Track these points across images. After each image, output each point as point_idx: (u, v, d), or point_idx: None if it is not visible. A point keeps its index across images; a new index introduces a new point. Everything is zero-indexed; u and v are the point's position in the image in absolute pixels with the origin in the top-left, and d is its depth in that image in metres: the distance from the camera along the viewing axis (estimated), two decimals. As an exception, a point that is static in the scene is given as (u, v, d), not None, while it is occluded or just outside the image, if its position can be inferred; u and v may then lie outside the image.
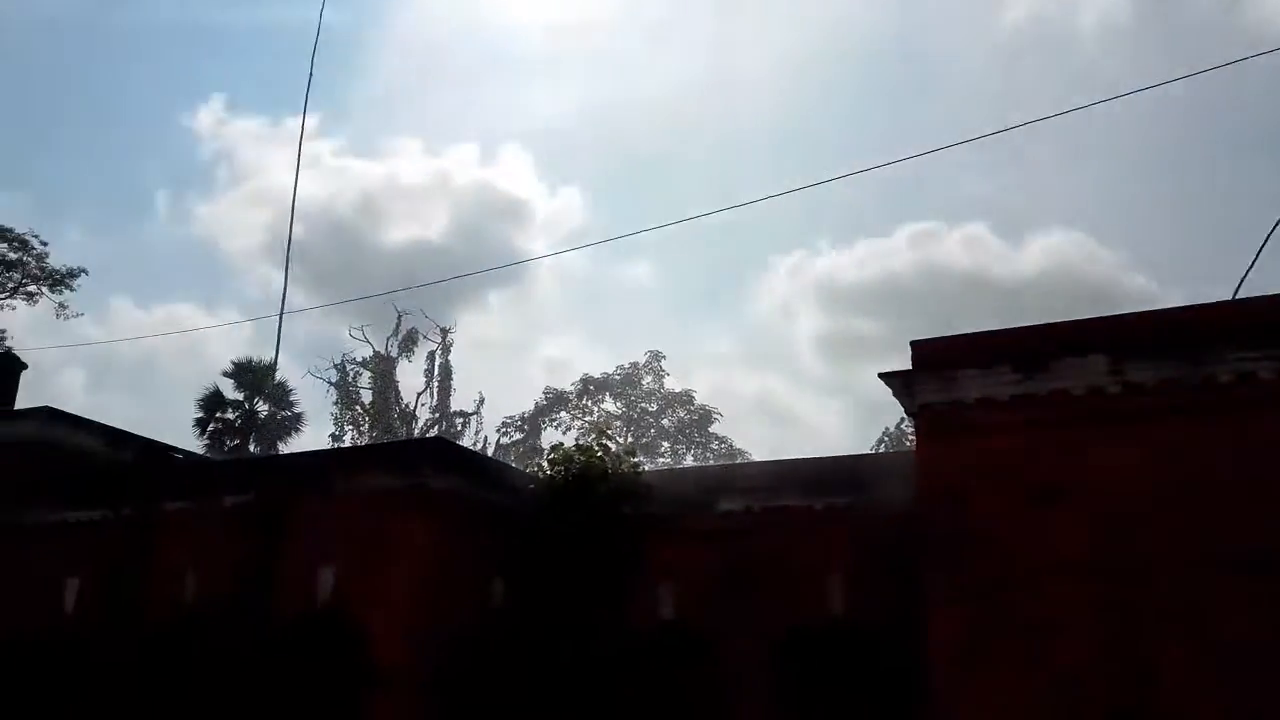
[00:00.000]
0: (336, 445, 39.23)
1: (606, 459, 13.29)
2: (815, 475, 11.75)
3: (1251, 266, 11.38)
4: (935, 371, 9.85)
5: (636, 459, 14.25)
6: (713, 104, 65.62)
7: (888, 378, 10.11)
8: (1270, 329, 8.91)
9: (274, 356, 21.30)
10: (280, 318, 20.50)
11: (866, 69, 63.57)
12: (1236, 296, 10.88)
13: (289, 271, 20.79)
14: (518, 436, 37.98)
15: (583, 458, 13.22)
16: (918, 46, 61.01)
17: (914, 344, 10.26)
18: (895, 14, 62.09)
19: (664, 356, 36.92)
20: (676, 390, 36.34)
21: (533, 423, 37.38)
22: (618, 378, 36.91)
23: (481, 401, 40.49)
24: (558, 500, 12.73)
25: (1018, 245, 58.47)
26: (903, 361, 10.26)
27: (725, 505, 12.02)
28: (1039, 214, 58.67)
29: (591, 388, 37.12)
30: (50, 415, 14.32)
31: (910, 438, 21.88)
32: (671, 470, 23.88)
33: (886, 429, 21.94)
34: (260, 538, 12.31)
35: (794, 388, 57.28)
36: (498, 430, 38.16)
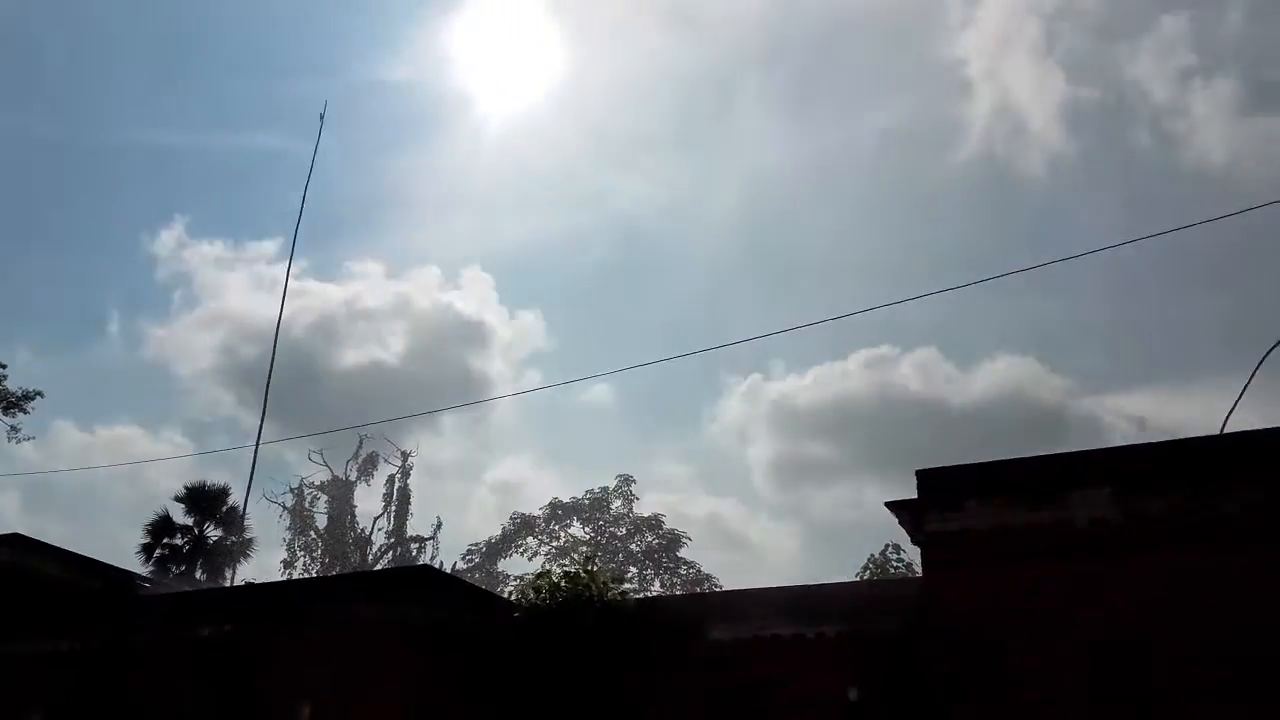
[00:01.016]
0: (288, 572, 38.33)
1: (593, 586, 13.02)
2: (805, 603, 11.55)
3: (1238, 401, 11.59)
4: (941, 501, 9.82)
5: (623, 586, 13.96)
6: (673, 228, 67.10)
7: (895, 507, 10.06)
8: (1269, 460, 9.03)
9: (248, 485, 20.79)
10: (256, 449, 20.09)
11: (826, 200, 65.48)
12: (1225, 430, 11.11)
13: (267, 403, 20.47)
14: (476, 561, 37.18)
15: (569, 585, 12.95)
16: (873, 183, 63.23)
17: (920, 473, 10.24)
18: (851, 149, 64.43)
19: (633, 480, 36.61)
20: (645, 514, 35.91)
21: (499, 548, 36.62)
22: (587, 502, 36.43)
23: (439, 526, 39.78)
24: (544, 628, 12.38)
25: (969, 370, 59.65)
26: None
27: (716, 634, 11.74)
28: (989, 340, 60.11)
29: (560, 512, 36.55)
30: (19, 542, 13.75)
31: (895, 565, 21.88)
32: (658, 598, 23.43)
33: (872, 556, 21.83)
34: (235, 670, 11.77)
35: (746, 511, 57.06)
36: (463, 557, 37.36)
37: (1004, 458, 10.13)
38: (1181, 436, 9.70)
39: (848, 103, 65.15)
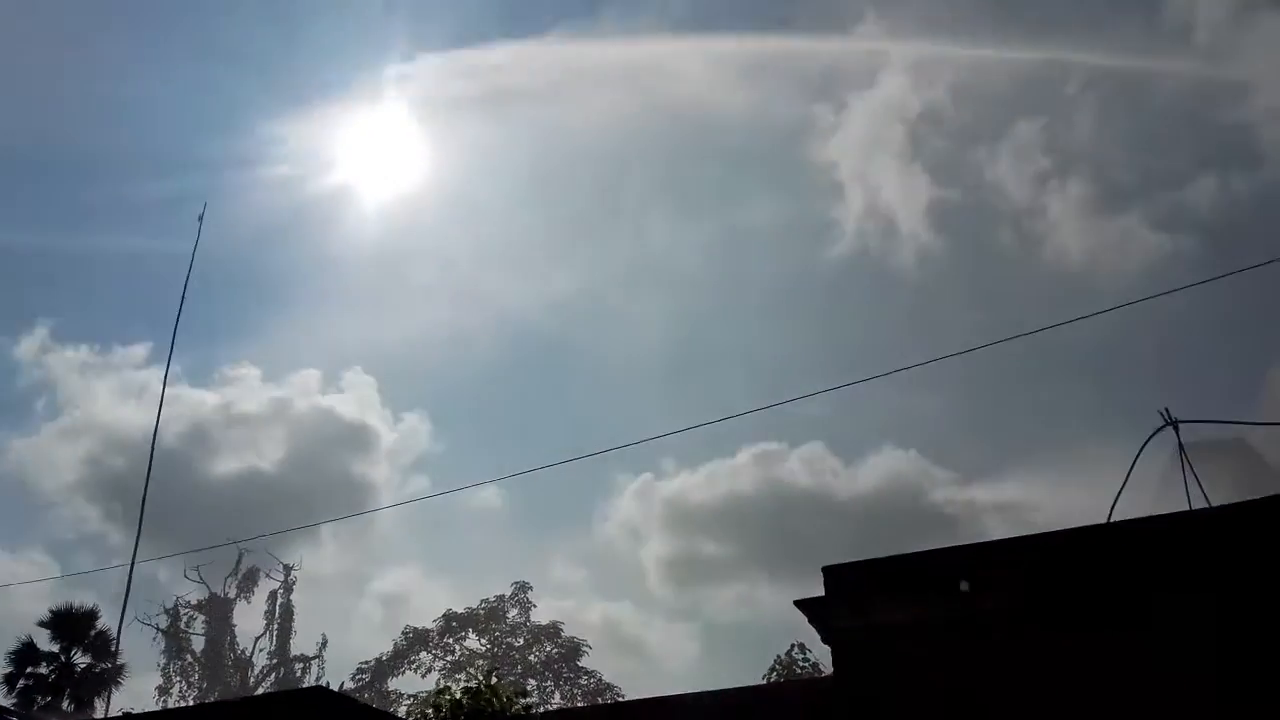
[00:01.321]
0: (164, 700, 36.04)
1: (495, 701, 12.61)
2: (716, 710, 11.37)
3: (1120, 491, 12.02)
4: (849, 598, 9.87)
5: (525, 700, 13.55)
6: (558, 325, 67.46)
7: (802, 605, 10.07)
8: (1162, 548, 9.38)
9: (122, 607, 19.57)
10: (131, 567, 19.01)
11: (710, 295, 66.90)
12: (1111, 519, 11.52)
13: (143, 517, 19.45)
14: (366, 679, 35.67)
15: (470, 701, 12.53)
16: (754, 278, 65.07)
17: (826, 570, 10.29)
18: (731, 247, 66.32)
19: (530, 587, 35.87)
20: (543, 623, 35.09)
21: (391, 665, 35.20)
22: (482, 612, 35.44)
23: (324, 644, 38.19)
24: (447, 748, 11.92)
25: (854, 464, 60.97)
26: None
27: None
28: (872, 434, 61.62)
29: (454, 624, 35.43)
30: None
31: (801, 665, 21.79)
32: (562, 712, 22.73)
33: (778, 657, 21.69)
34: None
35: (643, 614, 56.49)
36: (351, 676, 35.77)
37: (904, 552, 10.30)
38: (1074, 526, 10.00)
39: (726, 202, 67.36)
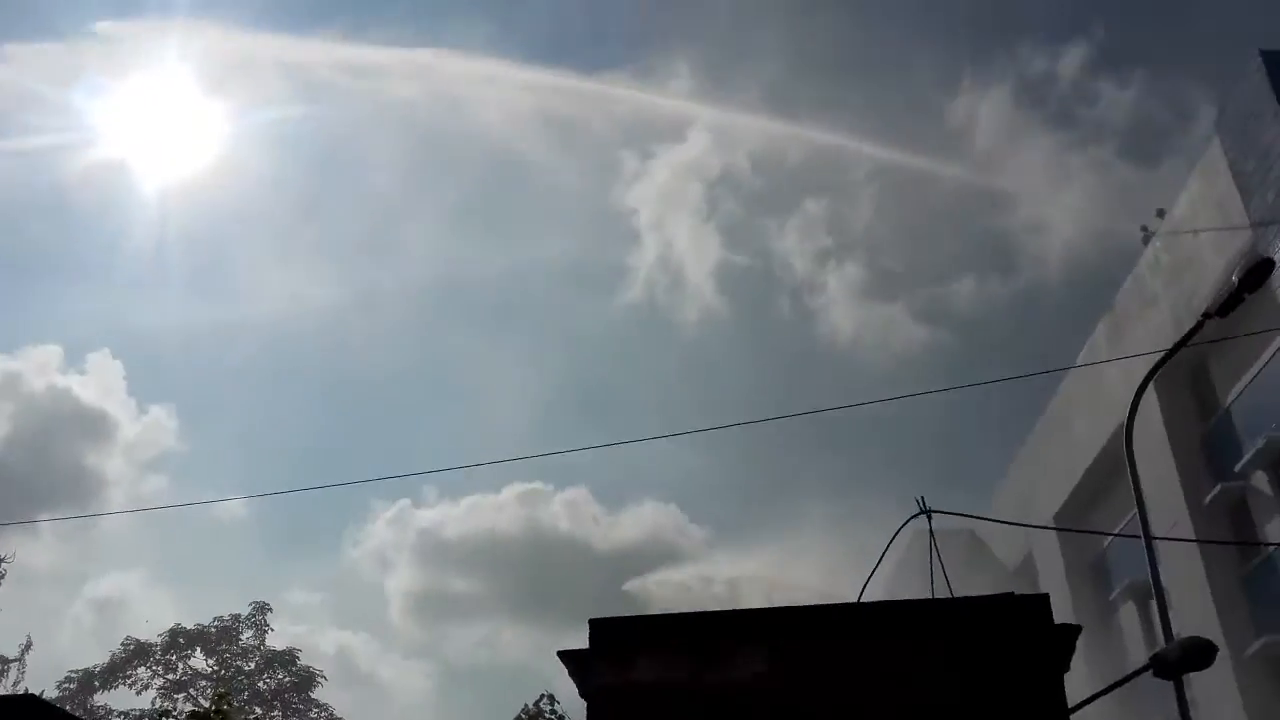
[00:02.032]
0: None
1: (223, 729, 11.85)
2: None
3: (874, 570, 12.67)
4: (612, 654, 9.89)
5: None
6: (330, 335, 65.13)
7: (565, 656, 10.01)
8: (904, 628, 9.94)
9: None
10: None
11: (492, 325, 66.48)
12: (862, 598, 12.14)
13: None
14: (72, 690, 32.68)
15: (196, 728, 11.73)
16: (541, 314, 65.17)
17: (592, 623, 10.28)
18: (521, 280, 66.29)
19: (269, 609, 33.92)
20: (279, 648, 33.26)
21: (105, 676, 32.37)
22: (214, 630, 33.21)
23: (28, 646, 34.78)
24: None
25: (616, 512, 61.89)
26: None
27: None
28: (636, 484, 62.78)
29: (182, 640, 33.03)
30: None
31: (548, 718, 21.58)
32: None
33: (526, 706, 21.41)
34: None
35: (379, 646, 54.89)
36: (58, 685, 32.66)
37: (663, 610, 10.47)
38: (828, 602, 10.46)
39: (522, 233, 67.63)
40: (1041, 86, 65.91)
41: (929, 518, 11.84)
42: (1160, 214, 27.94)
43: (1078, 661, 8.81)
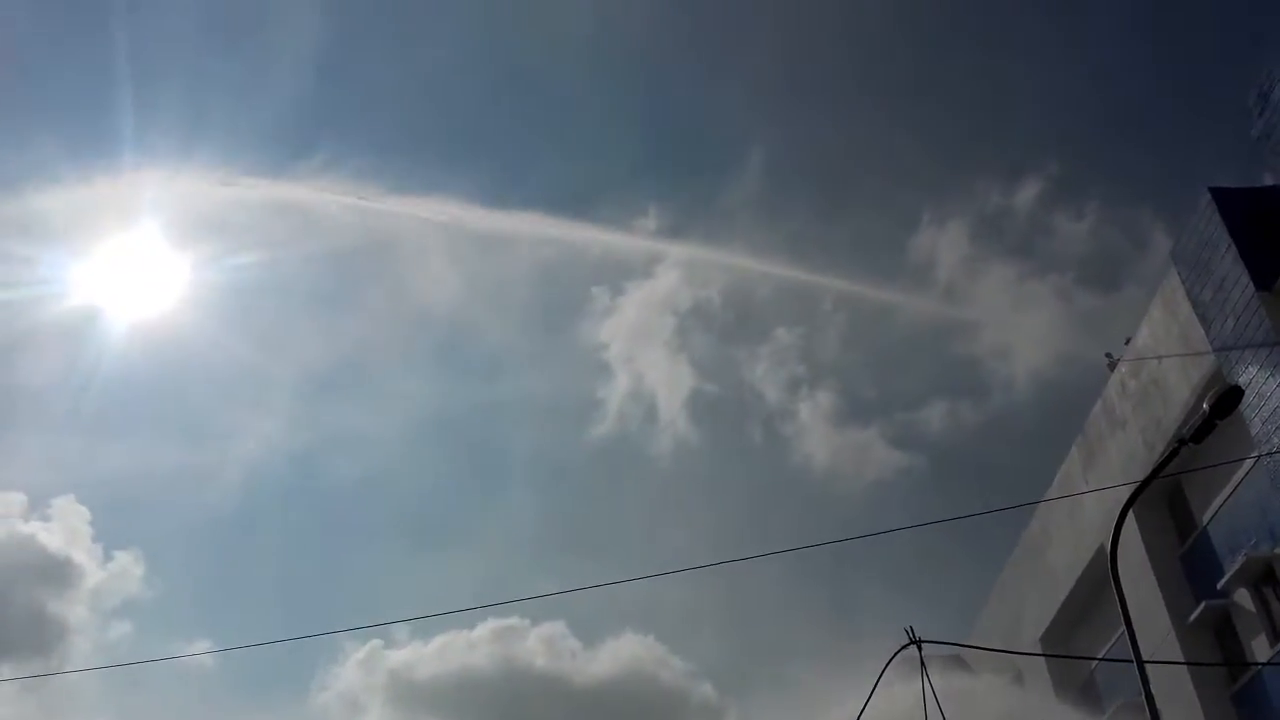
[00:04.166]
0: None
1: None
2: None
3: (868, 701, 12.70)
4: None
5: None
6: (300, 477, 64.63)
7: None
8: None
9: None
10: None
11: (465, 462, 66.23)
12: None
13: None
14: None
15: None
16: (513, 449, 65.15)
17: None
18: (494, 414, 66.44)
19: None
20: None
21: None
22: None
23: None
24: None
25: (594, 646, 60.68)
26: None
27: None
28: (614, 617, 61.77)
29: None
30: None
31: None
32: None
33: None
34: None
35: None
36: None
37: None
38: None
39: (493, 369, 68.03)
40: (999, 219, 68.18)
41: (919, 647, 11.94)
42: (1127, 341, 28.77)
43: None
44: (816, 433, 67.57)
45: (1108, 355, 30.83)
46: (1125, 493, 16.60)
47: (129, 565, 57.39)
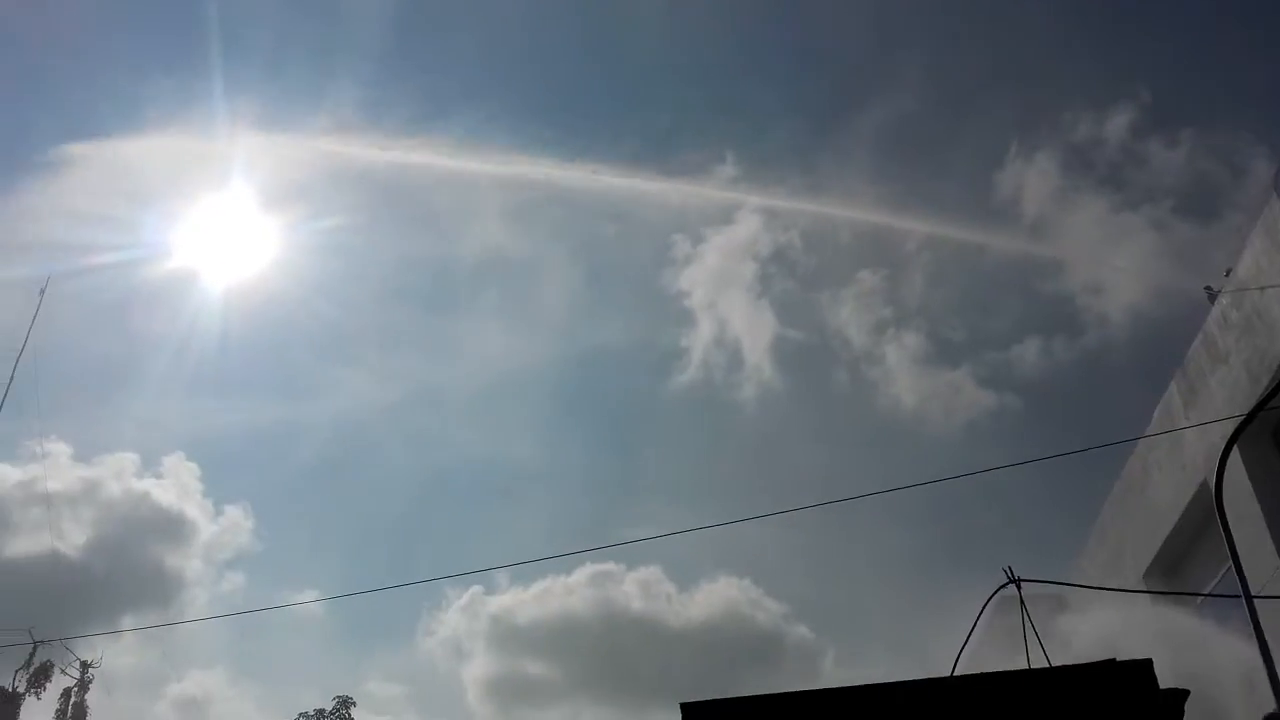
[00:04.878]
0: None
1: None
2: None
3: (966, 642, 12.63)
4: (709, 735, 9.96)
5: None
6: (394, 428, 66.07)
7: (662, 741, 10.13)
8: (1003, 700, 9.88)
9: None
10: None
11: (550, 412, 67.03)
12: (955, 671, 12.06)
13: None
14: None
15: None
16: (599, 399, 65.58)
17: (684, 706, 10.38)
18: (579, 365, 67.01)
19: (353, 703, 34.31)
20: (364, 742, 33.50)
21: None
22: (298, 728, 33.59)
23: (118, 753, 35.42)
24: None
25: (689, 589, 61.38)
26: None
27: None
28: (709, 561, 62.26)
29: (268, 738, 33.44)
30: None
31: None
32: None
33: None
34: None
35: (461, 735, 54.69)
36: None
37: (745, 688, 10.53)
38: (926, 677, 10.43)
39: (576, 321, 68.56)
40: (1089, 150, 65.80)
41: (1018, 587, 11.81)
42: (1227, 273, 27.69)
43: (1184, 728, 8.70)
44: (904, 376, 66.89)
45: (1207, 288, 29.71)
46: (1229, 428, 16.10)
47: (239, 519, 59.96)
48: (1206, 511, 25.60)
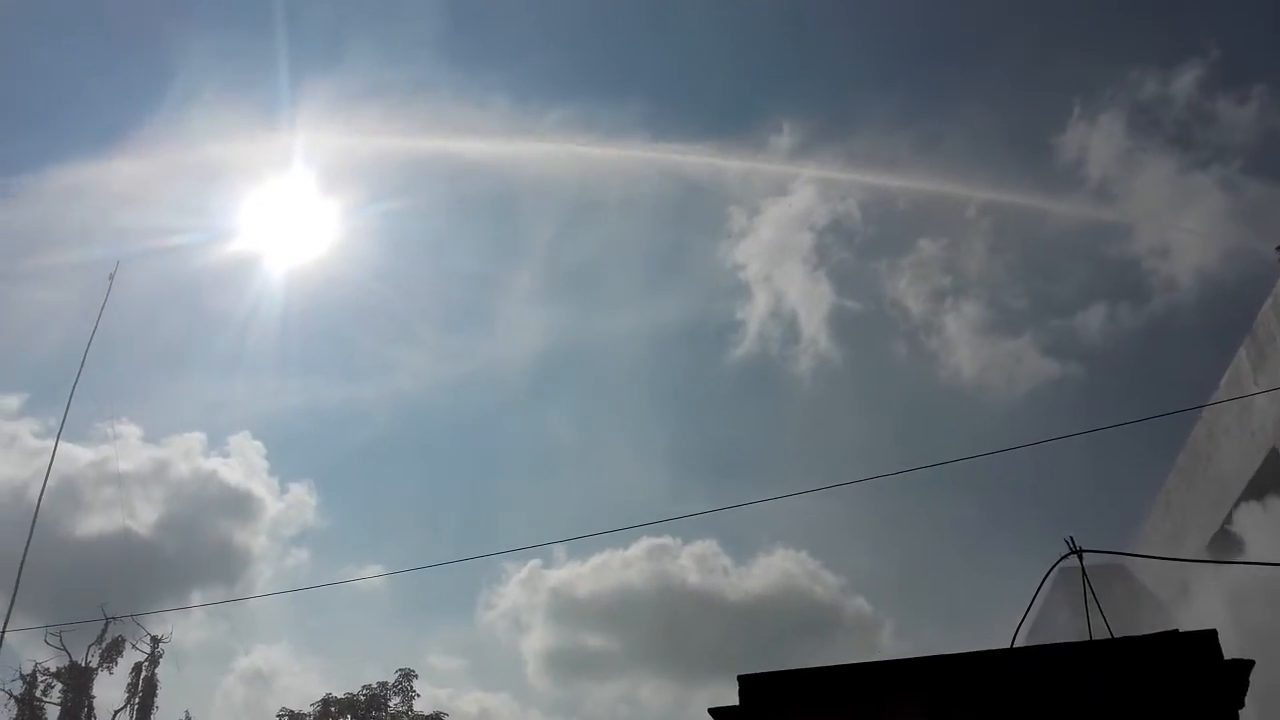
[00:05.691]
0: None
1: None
2: None
3: (1026, 613, 12.43)
4: (764, 710, 9.95)
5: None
6: (454, 405, 66.67)
7: (717, 714, 10.11)
8: (1064, 672, 9.73)
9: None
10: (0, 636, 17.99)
11: (610, 387, 67.15)
12: (1015, 643, 11.89)
13: (20, 582, 18.41)
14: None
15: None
16: (656, 373, 65.53)
17: (742, 679, 10.38)
18: (635, 340, 66.96)
19: (415, 675, 34.80)
20: (426, 713, 33.99)
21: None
22: (363, 698, 34.16)
23: (188, 721, 36.38)
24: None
25: (746, 563, 61.36)
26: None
27: None
28: (765, 534, 62.18)
29: (333, 709, 34.09)
30: None
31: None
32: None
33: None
34: None
35: (519, 706, 55.38)
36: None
37: (806, 660, 10.49)
38: (988, 649, 10.30)
39: (631, 296, 68.48)
40: (1155, 110, 64.01)
41: (1080, 557, 11.56)
42: (1297, 230, 26.84)
43: (1250, 699, 8.50)
44: (964, 345, 65.96)
45: (1279, 249, 28.85)
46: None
47: (303, 496, 61.07)
48: (1275, 478, 24.98)
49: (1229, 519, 30.92)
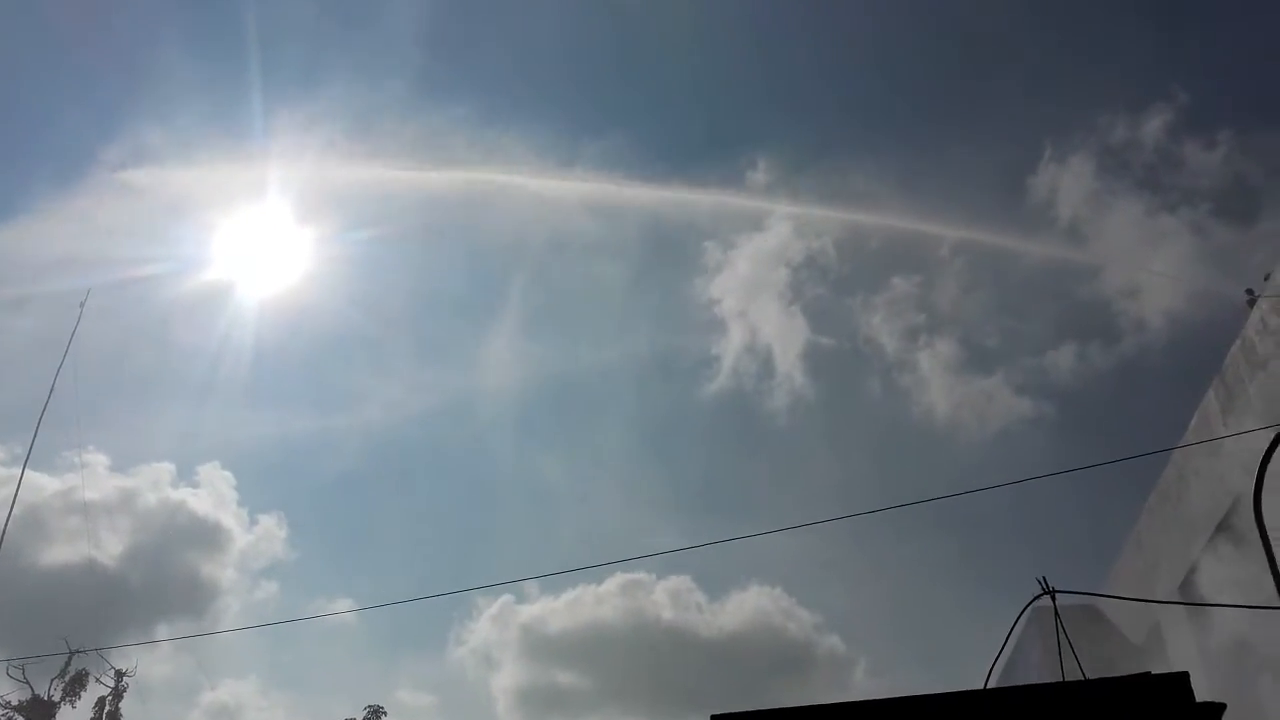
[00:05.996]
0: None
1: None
2: None
3: (999, 655, 12.47)
4: (739, 747, 9.88)
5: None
6: (427, 439, 66.37)
7: (692, 752, 10.07)
8: (1038, 713, 9.74)
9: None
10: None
11: (583, 422, 67.08)
12: (989, 683, 11.91)
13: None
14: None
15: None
16: (630, 409, 65.57)
17: (715, 718, 10.32)
18: (609, 375, 66.99)
19: (384, 712, 34.37)
20: (395, 752, 33.56)
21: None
22: (331, 736, 33.72)
23: (154, 759, 35.63)
24: None
25: (720, 599, 61.17)
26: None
27: None
28: (739, 570, 62.05)
29: (301, 747, 33.58)
30: None
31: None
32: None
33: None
34: None
35: (490, 744, 54.73)
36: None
37: (776, 701, 10.46)
38: (959, 690, 10.30)
39: (606, 329, 68.63)
40: (1124, 153, 65.05)
41: (1053, 597, 11.63)
42: (1267, 277, 27.29)
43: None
44: (938, 383, 66.39)
45: (1248, 292, 29.29)
46: (1268, 436, 15.84)
47: (273, 528, 60.33)
48: (1245, 522, 25.18)
49: (1195, 565, 31.17)
